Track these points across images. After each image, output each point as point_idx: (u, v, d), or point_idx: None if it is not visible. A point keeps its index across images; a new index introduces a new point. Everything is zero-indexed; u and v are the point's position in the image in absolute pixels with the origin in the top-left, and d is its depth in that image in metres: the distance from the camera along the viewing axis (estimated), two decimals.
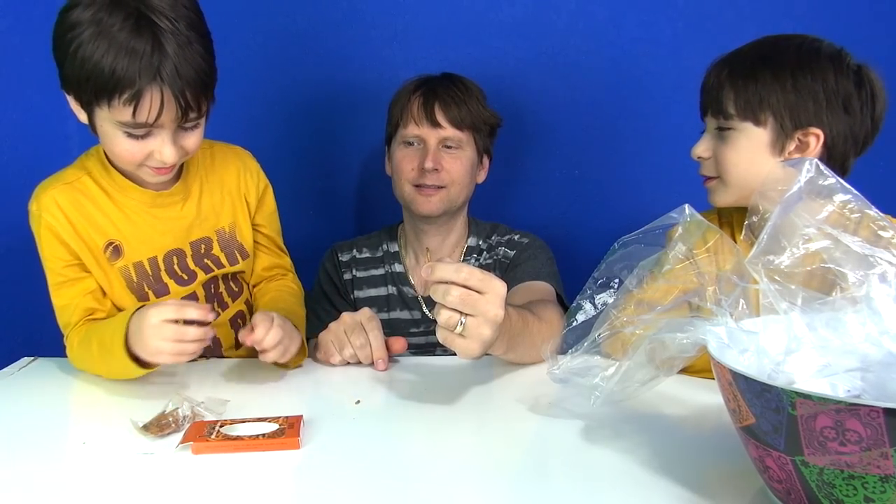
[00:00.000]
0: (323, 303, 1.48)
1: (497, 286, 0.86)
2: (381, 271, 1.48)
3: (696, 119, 1.16)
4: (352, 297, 1.48)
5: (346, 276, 1.49)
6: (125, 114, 0.96)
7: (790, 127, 1.03)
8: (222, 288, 1.21)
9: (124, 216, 1.11)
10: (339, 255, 1.50)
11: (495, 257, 1.43)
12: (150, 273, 1.13)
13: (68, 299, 1.09)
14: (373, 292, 1.47)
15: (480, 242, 1.47)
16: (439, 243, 1.45)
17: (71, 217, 1.08)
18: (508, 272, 1.37)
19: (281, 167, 1.70)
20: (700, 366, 0.77)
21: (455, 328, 0.85)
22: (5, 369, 1.13)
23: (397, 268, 1.48)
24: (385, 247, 1.50)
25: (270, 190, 1.27)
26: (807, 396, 0.56)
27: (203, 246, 1.17)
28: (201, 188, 1.17)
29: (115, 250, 1.10)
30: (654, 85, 1.61)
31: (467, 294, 0.84)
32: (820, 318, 0.70)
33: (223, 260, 1.19)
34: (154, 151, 1.01)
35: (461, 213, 1.46)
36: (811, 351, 0.70)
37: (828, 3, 1.56)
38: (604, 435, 0.85)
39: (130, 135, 0.99)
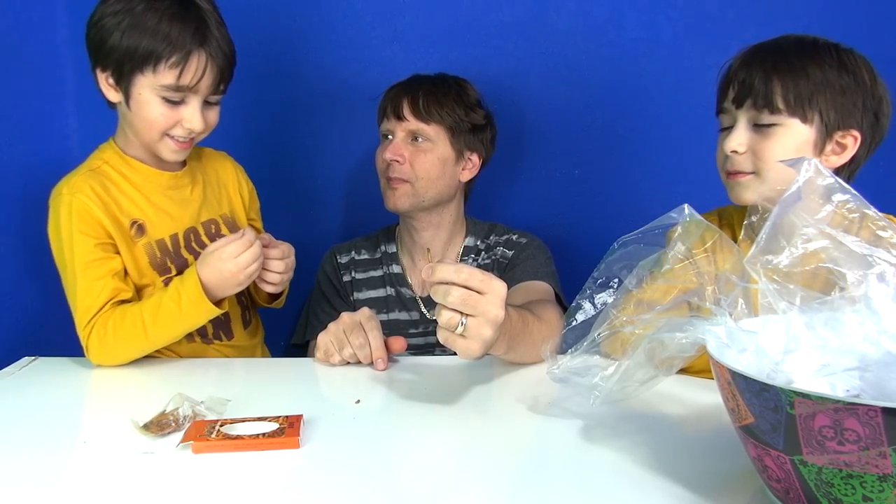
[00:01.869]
0: (323, 304, 1.47)
1: (497, 287, 0.86)
2: (379, 273, 1.48)
3: (695, 119, 1.16)
4: (351, 298, 1.48)
5: (346, 278, 1.49)
6: (170, 76, 1.09)
7: (834, 127, 1.02)
8: None
9: (144, 197, 1.20)
10: (339, 256, 1.50)
11: (494, 257, 1.43)
12: (172, 249, 1.21)
13: (94, 279, 1.11)
14: (372, 294, 1.47)
15: (479, 242, 1.47)
16: (430, 241, 1.45)
17: (102, 197, 1.15)
18: (507, 272, 1.36)
19: (280, 167, 1.71)
20: (699, 365, 0.77)
21: (456, 329, 0.85)
22: (5, 369, 1.13)
23: (395, 269, 1.48)
24: (383, 248, 1.50)
25: (255, 190, 1.40)
26: (805, 396, 0.56)
27: (213, 226, 1.27)
28: (203, 178, 1.29)
29: (140, 229, 1.18)
30: (654, 85, 1.61)
31: (468, 295, 0.84)
32: (819, 318, 0.70)
33: None
34: (184, 119, 1.13)
35: (444, 210, 1.43)
36: (810, 350, 0.70)
37: (828, 3, 1.56)
38: (603, 434, 0.85)
39: (167, 100, 1.11)
